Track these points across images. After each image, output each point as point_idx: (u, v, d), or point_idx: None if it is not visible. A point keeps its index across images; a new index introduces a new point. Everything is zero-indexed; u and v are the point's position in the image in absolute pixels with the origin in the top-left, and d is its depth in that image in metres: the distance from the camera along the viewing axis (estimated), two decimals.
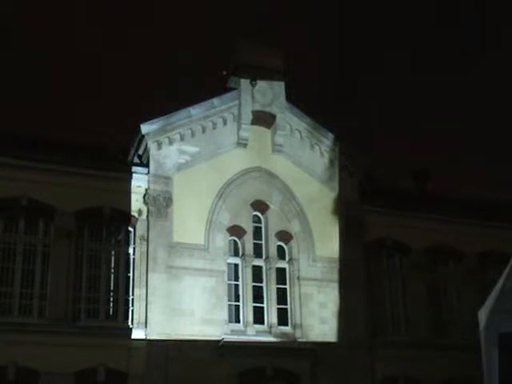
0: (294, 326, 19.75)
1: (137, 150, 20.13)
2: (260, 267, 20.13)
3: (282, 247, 20.59)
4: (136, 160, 20.11)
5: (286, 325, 19.81)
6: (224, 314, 19.01)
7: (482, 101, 38.68)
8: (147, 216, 18.94)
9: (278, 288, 20.02)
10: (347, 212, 21.13)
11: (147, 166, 19.48)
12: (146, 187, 19.17)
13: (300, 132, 21.43)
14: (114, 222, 19.01)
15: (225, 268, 19.52)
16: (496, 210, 23.55)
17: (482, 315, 8.83)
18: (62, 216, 18.26)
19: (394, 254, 22.13)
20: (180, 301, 18.52)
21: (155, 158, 19.59)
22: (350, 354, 19.53)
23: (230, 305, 19.41)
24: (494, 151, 38.19)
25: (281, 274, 20.28)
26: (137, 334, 17.95)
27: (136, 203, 19.02)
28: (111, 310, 18.67)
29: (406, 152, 35.55)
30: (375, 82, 41.72)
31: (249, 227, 20.19)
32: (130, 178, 19.13)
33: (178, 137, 19.96)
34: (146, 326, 18.00)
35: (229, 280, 19.61)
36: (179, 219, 19.20)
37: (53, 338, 17.07)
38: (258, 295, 19.81)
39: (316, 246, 20.64)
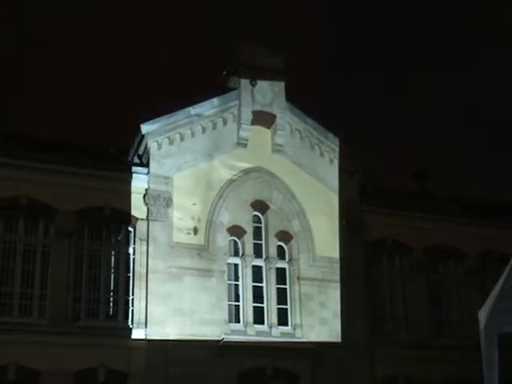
0: (294, 326, 19.75)
1: (137, 150, 20.13)
2: (260, 267, 20.12)
3: (282, 247, 20.58)
4: (136, 160, 20.10)
5: (286, 325, 19.81)
6: (224, 314, 19.01)
7: (481, 101, 38.68)
8: (147, 216, 18.94)
9: (278, 288, 20.02)
10: (347, 212, 21.12)
11: (147, 166, 19.47)
12: (146, 187, 19.18)
13: (300, 132, 21.42)
14: (114, 222, 19.00)
15: (225, 268, 19.52)
16: (496, 210, 23.55)
17: (482, 315, 8.84)
18: (62, 216, 18.25)
19: (394, 253, 22.13)
20: (180, 301, 18.51)
21: (155, 158, 19.57)
22: (350, 354, 19.51)
23: (230, 305, 19.41)
24: (493, 151, 38.21)
25: (281, 274, 20.28)
26: (137, 333, 17.95)
27: (136, 203, 19.04)
28: (111, 310, 18.66)
29: (406, 152, 35.57)
30: (375, 81, 41.73)
31: (249, 227, 20.19)
32: (130, 178, 19.12)
33: (178, 137, 19.96)
34: (145, 326, 18.01)
35: (229, 280, 19.61)
36: (179, 219, 19.20)
37: (53, 338, 17.07)
38: (257, 295, 19.81)
39: (316, 246, 20.64)
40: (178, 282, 18.68)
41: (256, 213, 20.51)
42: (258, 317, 19.59)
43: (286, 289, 20.18)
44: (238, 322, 19.42)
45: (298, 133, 21.39)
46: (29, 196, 18.05)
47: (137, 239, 18.83)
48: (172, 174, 19.59)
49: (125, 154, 20.46)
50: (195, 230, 19.31)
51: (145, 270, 18.47)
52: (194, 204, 19.54)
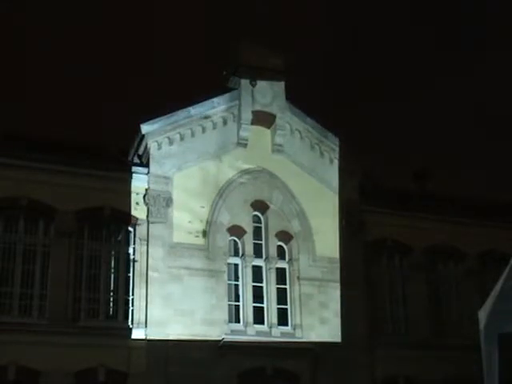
0: (294, 326, 19.75)
1: (137, 150, 20.14)
2: (260, 267, 20.12)
3: (282, 247, 20.57)
4: (136, 160, 20.11)
5: (286, 325, 19.81)
6: (224, 314, 19.01)
7: (481, 101, 38.69)
8: (147, 216, 18.94)
9: (278, 288, 20.02)
10: (347, 212, 21.12)
11: (147, 166, 19.47)
12: (146, 187, 19.18)
13: (300, 132, 21.42)
14: (114, 222, 19.01)
15: (225, 268, 19.52)
16: (496, 210, 23.54)
17: (482, 315, 8.84)
18: (62, 216, 18.25)
19: (394, 253, 22.13)
20: (180, 301, 18.51)
21: (155, 158, 19.58)
22: (350, 353, 19.51)
23: (230, 305, 19.41)
24: (493, 151, 38.21)
25: (281, 274, 20.28)
26: (137, 333, 17.96)
27: (136, 203, 19.04)
28: (111, 309, 18.67)
29: (406, 152, 35.57)
30: (375, 81, 41.71)
31: (249, 227, 20.18)
32: (130, 178, 19.13)
33: (177, 137, 19.96)
34: (145, 326, 18.01)
35: (229, 280, 19.61)
36: (179, 219, 19.21)
37: (53, 337, 17.08)
38: (257, 295, 19.81)
39: (316, 246, 20.63)
40: (177, 282, 18.68)
41: (256, 213, 20.51)
42: (258, 317, 19.59)
43: (285, 289, 20.18)
44: (238, 322, 19.42)
45: (297, 133, 21.39)
46: (29, 196, 18.06)
47: (137, 239, 18.84)
48: (172, 174, 19.59)
49: (125, 154, 20.47)
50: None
51: (145, 270, 18.48)
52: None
